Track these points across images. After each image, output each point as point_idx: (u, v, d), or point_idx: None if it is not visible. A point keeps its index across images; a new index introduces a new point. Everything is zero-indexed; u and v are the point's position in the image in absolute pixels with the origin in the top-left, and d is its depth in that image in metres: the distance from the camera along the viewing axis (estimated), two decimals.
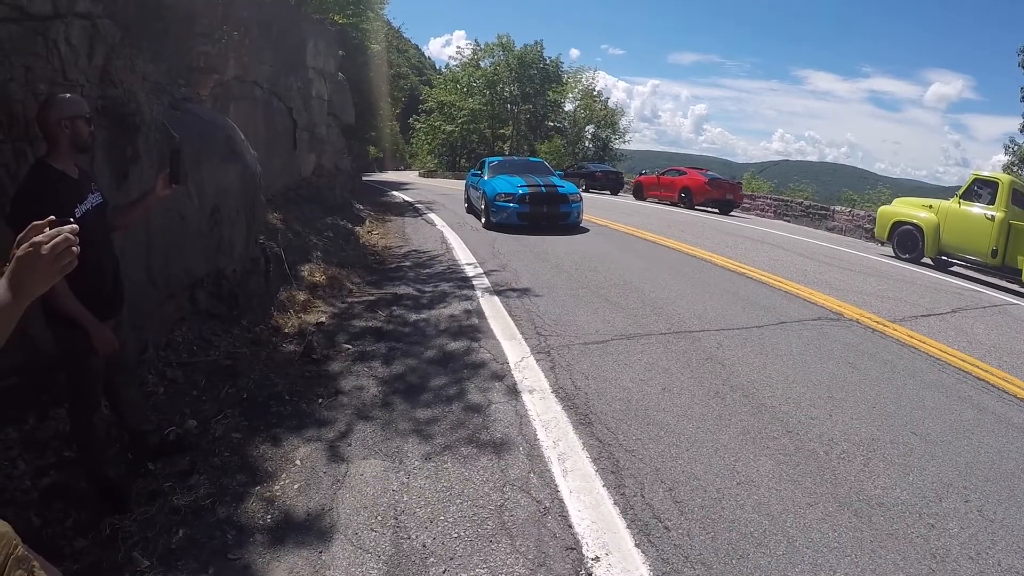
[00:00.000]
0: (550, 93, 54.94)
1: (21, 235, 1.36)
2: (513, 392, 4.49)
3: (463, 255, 9.89)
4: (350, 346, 5.51)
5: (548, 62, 57.14)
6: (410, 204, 20.19)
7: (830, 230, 20.72)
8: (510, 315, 6.39)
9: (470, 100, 56.80)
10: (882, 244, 14.33)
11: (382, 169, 60.93)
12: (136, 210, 3.50)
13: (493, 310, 6.58)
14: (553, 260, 9.44)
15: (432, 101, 58.68)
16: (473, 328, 6.00)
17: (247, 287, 6.31)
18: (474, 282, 7.91)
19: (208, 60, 8.36)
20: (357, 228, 12.16)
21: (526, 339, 5.63)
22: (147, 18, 5.61)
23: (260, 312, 6.21)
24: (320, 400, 4.42)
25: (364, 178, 31.52)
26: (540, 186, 13.16)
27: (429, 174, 56.32)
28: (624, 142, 55.42)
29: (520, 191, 12.76)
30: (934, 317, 7.55)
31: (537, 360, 5.08)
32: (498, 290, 7.44)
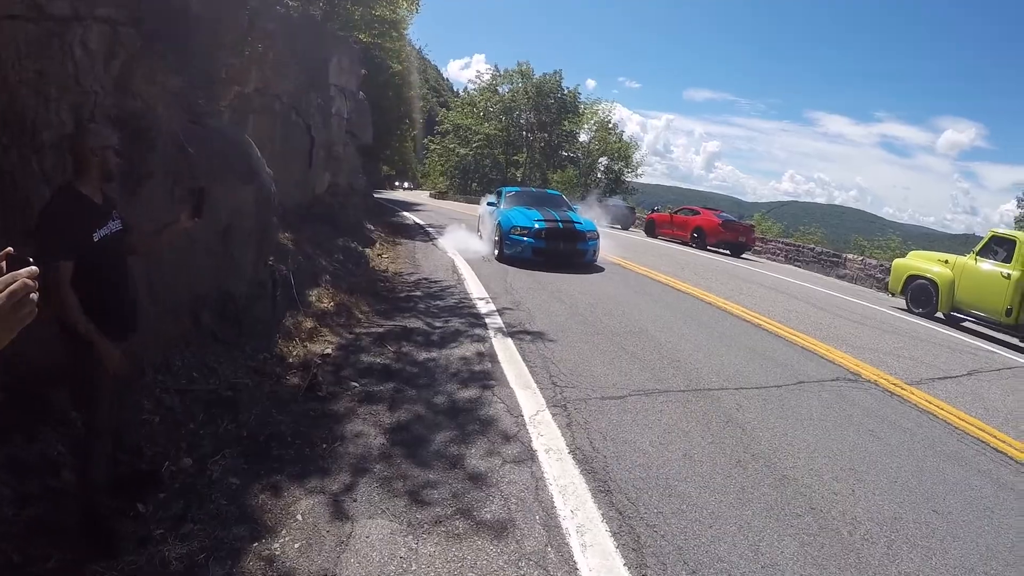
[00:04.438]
0: (566, 123, 55.04)
1: None
2: (528, 451, 4.22)
3: (475, 288, 9.67)
4: (357, 384, 5.28)
5: (566, 92, 57.25)
6: (421, 227, 20.03)
7: (841, 278, 20.60)
8: (524, 361, 6.13)
9: (486, 125, 57.01)
10: (893, 295, 14.24)
11: (393, 187, 61.09)
12: (158, 239, 3.61)
13: (507, 354, 6.32)
14: (567, 300, 9.22)
15: (448, 123, 58.95)
16: (486, 374, 5.74)
17: (253, 311, 6.11)
18: (487, 320, 7.66)
19: (231, 72, 8.25)
20: (367, 251, 11.98)
21: (541, 389, 5.37)
22: (172, 26, 5.48)
23: (265, 338, 6.00)
24: (324, 445, 4.18)
25: (375, 195, 31.42)
26: (557, 221, 12.83)
27: (440, 195, 56.35)
28: (636, 176, 55.45)
29: (536, 225, 12.43)
30: (950, 380, 7.42)
31: (553, 415, 4.82)
32: (511, 331, 7.19)
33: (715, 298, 10.74)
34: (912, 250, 24.89)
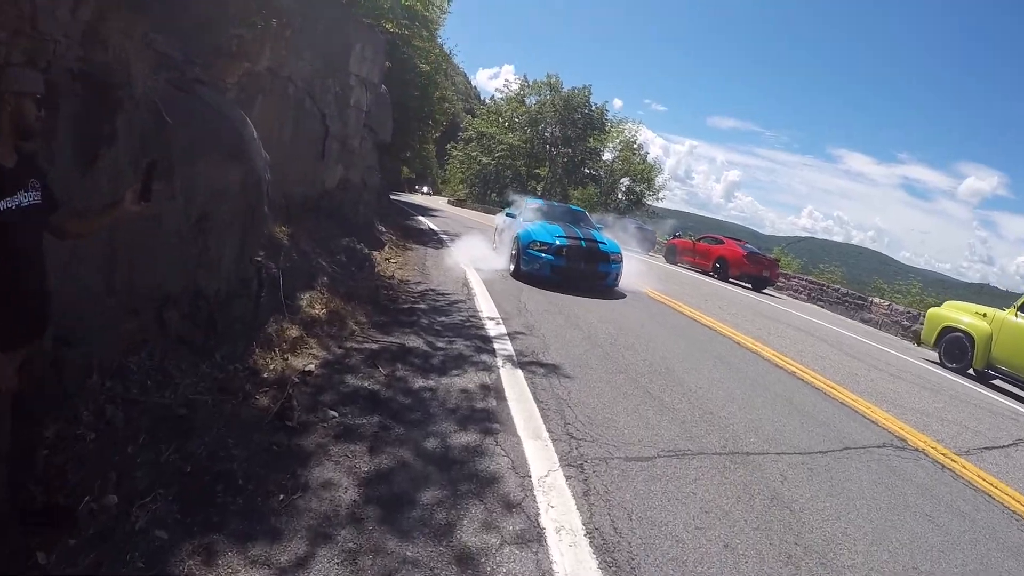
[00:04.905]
0: (591, 140, 54.49)
1: None
2: (535, 528, 3.33)
3: (485, 306, 8.79)
4: (335, 413, 4.41)
5: (594, 108, 56.69)
6: (435, 233, 19.33)
7: (866, 322, 19.85)
8: (535, 400, 5.23)
9: (510, 135, 56.59)
10: (918, 345, 13.63)
11: (412, 190, 60.82)
12: (95, 222, 2.91)
13: (516, 390, 5.42)
14: (585, 328, 8.33)
15: (472, 130, 58.65)
16: (490, 414, 4.83)
17: (230, 312, 5.31)
18: (495, 345, 6.78)
19: (241, 45, 7.59)
20: (374, 253, 11.20)
21: (554, 440, 4.46)
22: None
23: (241, 345, 5.20)
24: (282, 496, 3.33)
25: (392, 197, 30.84)
26: (580, 239, 11.78)
27: (459, 203, 55.99)
28: (658, 199, 54.85)
29: (557, 242, 11.42)
30: (998, 451, 6.71)
31: (567, 478, 3.92)
32: (522, 361, 6.31)
33: (744, 337, 9.89)
34: (930, 296, 24.28)
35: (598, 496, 3.77)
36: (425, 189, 70.90)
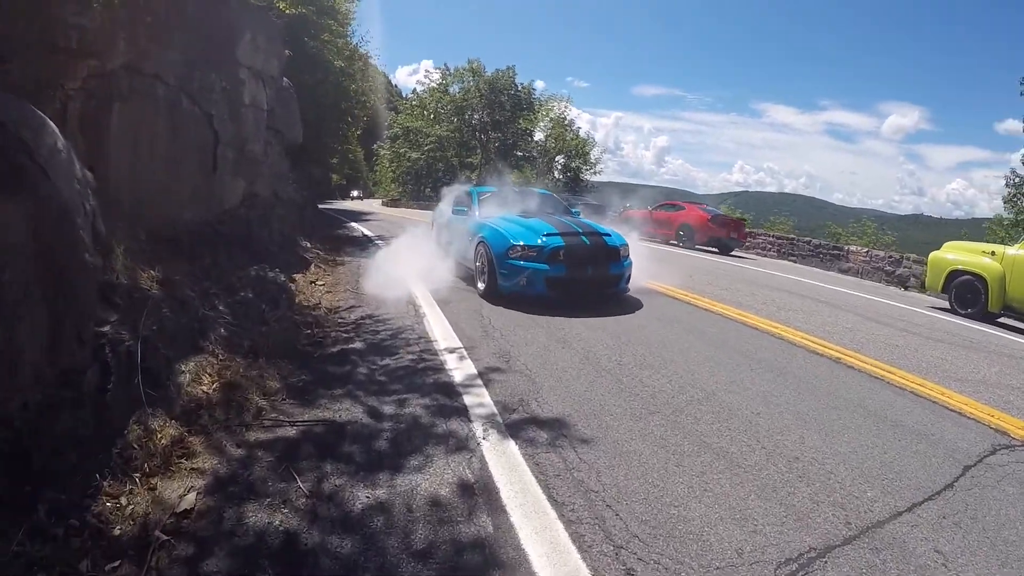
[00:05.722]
0: (520, 121, 53.22)
1: None
2: None
3: (440, 330, 6.66)
4: None
5: (520, 89, 55.53)
6: (369, 240, 17.26)
7: (844, 272, 18.83)
8: (551, 501, 3.19)
9: (437, 127, 55.12)
10: (904, 289, 13.24)
11: (344, 197, 59.13)
12: None
13: (516, 486, 3.35)
14: (576, 344, 6.33)
15: (398, 127, 57.11)
16: (487, 551, 2.78)
17: (52, 433, 3.31)
18: (466, 398, 4.68)
19: (83, 38, 5.73)
20: (296, 277, 9.15)
21: None
22: None
23: (78, 481, 3.24)
24: None
25: (322, 207, 28.92)
26: (579, 233, 8.56)
27: (393, 203, 54.31)
28: (595, 173, 53.99)
29: (548, 242, 8.18)
30: None
31: None
32: (511, 422, 4.24)
33: (756, 319, 8.21)
34: (886, 235, 23.38)
35: None
36: (355, 193, 68.63)
